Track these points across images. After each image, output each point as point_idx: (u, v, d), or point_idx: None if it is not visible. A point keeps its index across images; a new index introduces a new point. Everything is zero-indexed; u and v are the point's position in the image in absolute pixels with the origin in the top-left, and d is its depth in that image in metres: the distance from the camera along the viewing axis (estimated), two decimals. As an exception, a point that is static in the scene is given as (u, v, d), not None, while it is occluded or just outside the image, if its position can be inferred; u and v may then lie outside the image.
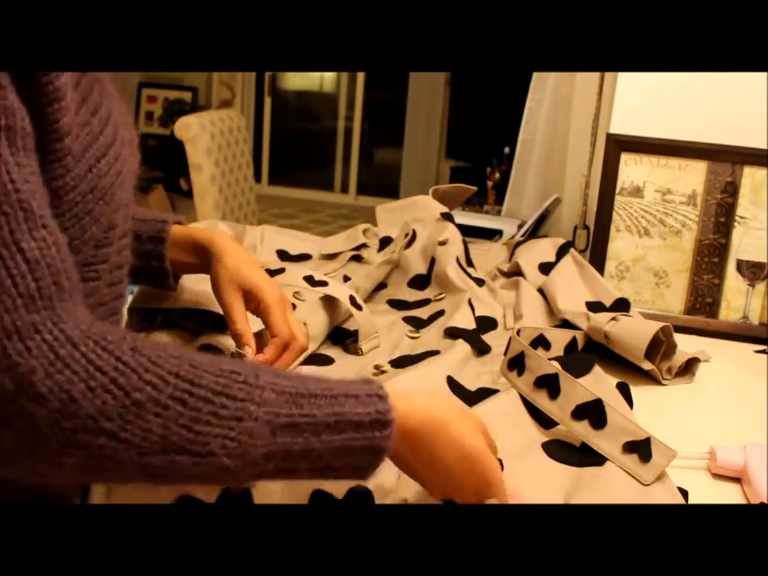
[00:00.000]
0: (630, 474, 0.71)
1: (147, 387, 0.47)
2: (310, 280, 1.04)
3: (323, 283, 1.03)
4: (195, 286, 0.92)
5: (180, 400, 0.47)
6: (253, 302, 0.79)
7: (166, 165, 4.57)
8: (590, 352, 1.01)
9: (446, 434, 0.57)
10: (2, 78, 0.47)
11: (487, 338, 1.04)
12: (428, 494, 0.63)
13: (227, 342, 0.85)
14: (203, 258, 0.82)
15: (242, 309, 0.79)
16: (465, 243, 1.31)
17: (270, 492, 0.67)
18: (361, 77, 5.51)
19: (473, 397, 0.86)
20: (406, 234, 1.28)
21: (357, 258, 1.34)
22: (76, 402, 0.45)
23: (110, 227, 0.59)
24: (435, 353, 0.96)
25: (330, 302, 1.01)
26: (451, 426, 0.58)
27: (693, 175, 1.30)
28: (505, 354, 0.92)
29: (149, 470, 0.47)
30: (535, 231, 1.66)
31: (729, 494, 0.75)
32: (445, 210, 1.39)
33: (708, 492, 0.75)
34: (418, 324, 1.08)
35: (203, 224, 1.33)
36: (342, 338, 1.01)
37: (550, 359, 0.87)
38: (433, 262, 1.25)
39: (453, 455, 0.58)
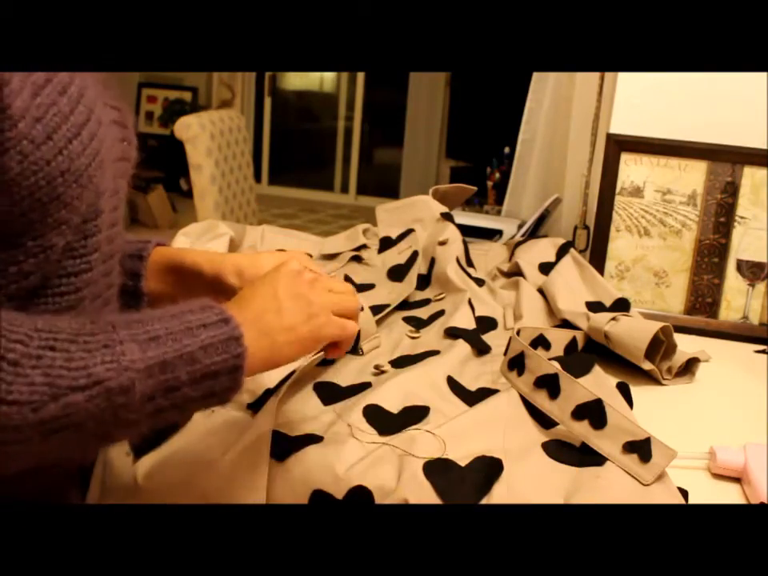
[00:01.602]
0: (630, 474, 0.71)
1: (17, 345, 0.48)
2: (310, 280, 1.03)
3: (323, 283, 1.03)
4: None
5: (48, 347, 0.49)
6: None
7: (166, 165, 4.57)
8: (590, 352, 1.01)
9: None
10: None
11: (487, 338, 1.04)
12: (429, 496, 0.63)
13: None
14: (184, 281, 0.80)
15: None
16: (465, 243, 1.31)
17: (271, 492, 0.67)
18: (361, 77, 5.51)
19: (473, 397, 0.86)
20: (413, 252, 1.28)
21: (357, 259, 1.34)
22: None
23: (96, 215, 0.58)
24: (435, 353, 0.96)
25: None
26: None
27: (693, 175, 1.30)
28: (505, 354, 0.92)
29: (46, 426, 0.48)
30: (535, 231, 1.66)
31: (729, 494, 0.75)
32: (445, 210, 1.39)
33: (708, 492, 0.75)
34: (417, 324, 1.08)
35: (203, 224, 1.33)
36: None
37: (550, 359, 0.87)
38: (433, 262, 1.25)
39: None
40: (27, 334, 0.49)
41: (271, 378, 0.81)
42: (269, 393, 0.80)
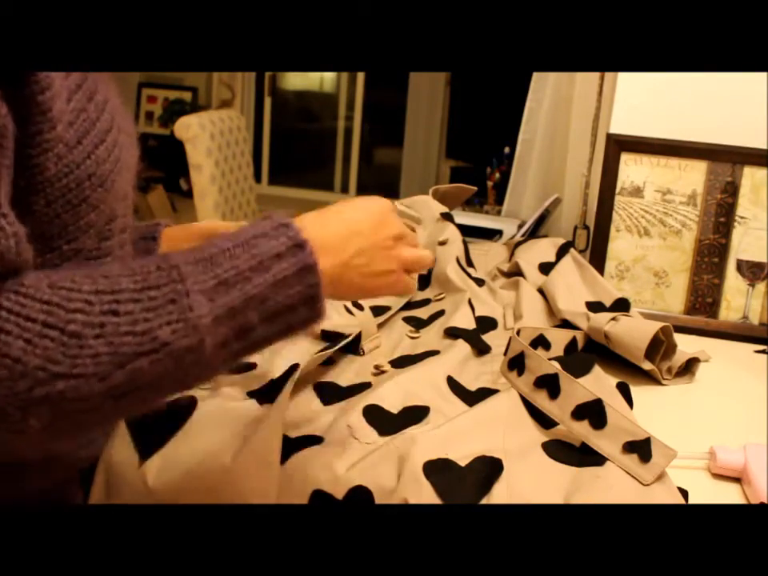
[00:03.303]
0: (630, 474, 0.71)
1: (77, 315, 0.46)
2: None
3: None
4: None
5: (111, 312, 0.47)
6: None
7: (166, 165, 4.57)
8: (590, 352, 1.01)
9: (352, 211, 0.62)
10: None
11: (487, 338, 1.04)
12: (429, 496, 0.63)
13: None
14: None
15: None
16: (465, 243, 1.31)
17: (270, 492, 0.67)
18: (361, 77, 5.50)
19: (473, 397, 0.86)
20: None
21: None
22: (20, 361, 0.44)
23: (111, 218, 0.59)
24: (435, 353, 0.96)
25: None
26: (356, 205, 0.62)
27: (693, 175, 1.30)
28: (505, 353, 0.92)
29: (115, 392, 0.47)
30: (535, 231, 1.66)
31: (729, 494, 0.75)
32: (445, 210, 1.39)
33: (708, 492, 0.75)
34: (417, 324, 1.08)
35: (203, 224, 1.33)
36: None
37: (550, 359, 0.87)
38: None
39: (363, 219, 0.61)
40: (87, 300, 0.47)
41: (278, 366, 0.82)
42: (274, 383, 0.80)
